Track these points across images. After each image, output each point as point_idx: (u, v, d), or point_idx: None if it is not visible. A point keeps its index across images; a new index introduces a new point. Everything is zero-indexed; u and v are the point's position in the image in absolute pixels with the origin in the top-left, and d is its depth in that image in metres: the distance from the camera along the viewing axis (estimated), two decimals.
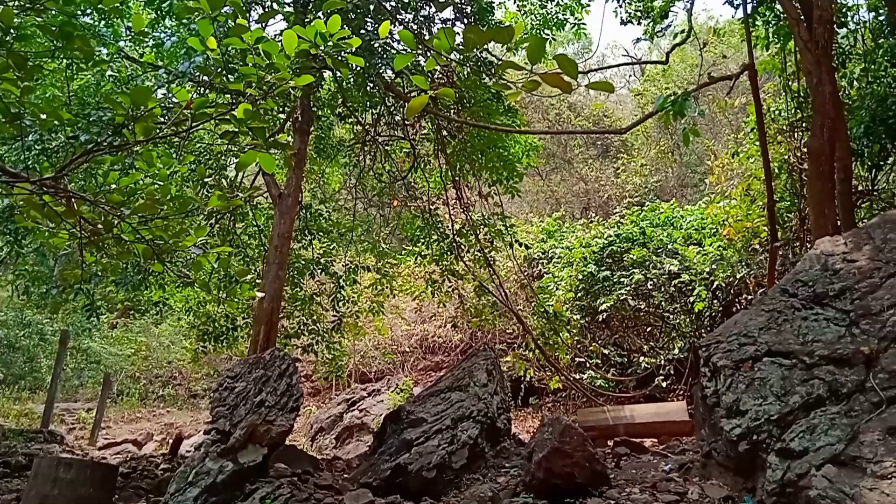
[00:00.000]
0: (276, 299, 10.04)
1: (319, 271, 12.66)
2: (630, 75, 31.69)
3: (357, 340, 16.88)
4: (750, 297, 11.38)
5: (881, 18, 9.23)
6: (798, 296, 5.74)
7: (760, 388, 5.11)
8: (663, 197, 20.91)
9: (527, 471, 5.90)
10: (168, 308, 13.58)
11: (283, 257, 10.17)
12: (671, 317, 13.12)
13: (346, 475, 7.84)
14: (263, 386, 6.90)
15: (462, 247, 12.41)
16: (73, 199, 4.01)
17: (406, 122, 12.24)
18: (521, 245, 12.55)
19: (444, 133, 11.80)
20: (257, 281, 10.29)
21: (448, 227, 12.57)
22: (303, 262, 12.46)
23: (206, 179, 10.39)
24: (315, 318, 12.68)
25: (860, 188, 10.28)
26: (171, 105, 6.83)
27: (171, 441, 12.54)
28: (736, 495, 5.03)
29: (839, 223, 7.62)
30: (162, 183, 4.36)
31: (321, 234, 12.88)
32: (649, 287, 13.18)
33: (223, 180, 11.79)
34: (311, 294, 12.86)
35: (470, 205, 12.70)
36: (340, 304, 12.78)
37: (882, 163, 9.27)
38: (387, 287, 13.60)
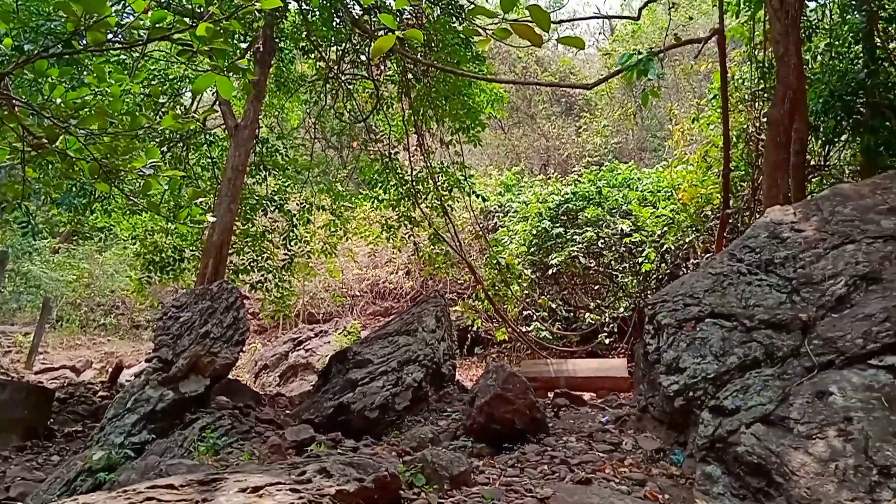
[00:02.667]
0: (226, 232, 9.87)
1: (273, 208, 12.46)
2: (599, 33, 31.52)
3: (307, 281, 16.79)
4: (697, 261, 11.60)
5: None
6: (745, 261, 5.86)
7: (700, 348, 5.25)
8: (622, 158, 21.05)
9: (468, 415, 6.00)
10: (113, 235, 13.25)
11: (235, 190, 9.97)
12: (619, 276, 13.34)
13: (288, 411, 7.87)
14: (209, 317, 6.82)
15: (420, 194, 12.33)
16: (15, 107, 3.80)
17: (371, 61, 11.95)
18: (478, 196, 12.53)
19: (410, 76, 11.59)
20: (209, 212, 10.06)
21: (407, 172, 12.45)
22: (256, 198, 12.25)
23: (160, 100, 10.02)
24: (266, 255, 12.54)
25: (813, 162, 10.48)
26: (125, 23, 6.52)
27: (110, 369, 12.38)
28: (668, 448, 5.20)
29: (790, 194, 7.77)
30: (113, 99, 4.16)
31: (277, 170, 12.64)
32: (600, 246, 13.34)
33: (178, 107, 11.43)
34: (262, 231, 12.67)
35: (430, 152, 12.58)
36: (292, 242, 12.64)
37: (836, 139, 9.44)
38: (341, 229, 13.48)
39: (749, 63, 10.20)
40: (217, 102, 10.39)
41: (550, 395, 9.08)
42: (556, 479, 4.54)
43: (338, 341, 14.31)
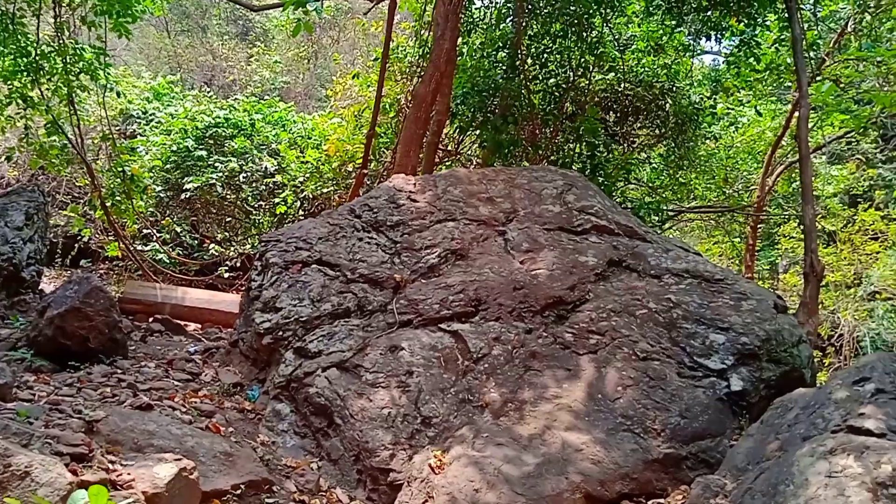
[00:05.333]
0: None
1: None
2: None
3: None
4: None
5: (509, 3, 10.21)
6: (362, 218, 6.13)
7: (300, 291, 5.35)
8: (287, 99, 20.67)
9: (35, 326, 5.29)
10: None
11: None
12: (255, 213, 13.10)
13: None
14: None
15: (44, 72, 10.54)
16: None
17: None
18: (115, 92, 11.17)
19: None
20: None
21: (34, 43, 10.55)
22: None
23: None
24: None
25: (449, 148, 11.45)
26: None
27: None
28: (247, 384, 5.20)
29: (420, 168, 8.36)
30: None
31: None
32: (241, 180, 12.93)
33: None
34: None
35: (67, 27, 10.81)
36: None
37: (470, 129, 10.39)
38: None
39: (414, 38, 10.71)
40: None
41: (151, 320, 8.56)
42: (115, 403, 4.21)
43: None
